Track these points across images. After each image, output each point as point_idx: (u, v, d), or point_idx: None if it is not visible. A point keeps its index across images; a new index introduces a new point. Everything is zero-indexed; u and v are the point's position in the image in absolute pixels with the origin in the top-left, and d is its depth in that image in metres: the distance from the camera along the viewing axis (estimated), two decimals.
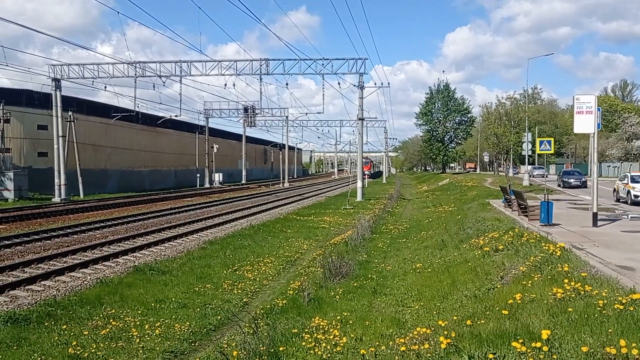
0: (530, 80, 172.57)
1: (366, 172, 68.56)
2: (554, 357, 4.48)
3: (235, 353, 7.12)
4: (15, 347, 8.20)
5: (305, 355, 7.25)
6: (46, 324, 9.32)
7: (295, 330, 8.20)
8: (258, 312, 9.84)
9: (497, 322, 5.79)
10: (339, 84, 63.07)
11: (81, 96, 62.43)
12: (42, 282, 12.57)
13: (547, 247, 10.12)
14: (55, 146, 38.18)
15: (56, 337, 8.62)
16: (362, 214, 26.01)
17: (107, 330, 9.00)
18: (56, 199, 36.93)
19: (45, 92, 38.95)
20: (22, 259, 15.00)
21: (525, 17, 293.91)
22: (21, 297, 11.32)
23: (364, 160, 55.49)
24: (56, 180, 37.62)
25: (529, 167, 48.61)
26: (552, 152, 24.01)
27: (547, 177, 51.75)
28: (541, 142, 22.03)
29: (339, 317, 8.81)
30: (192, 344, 8.73)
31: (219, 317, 10.08)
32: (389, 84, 48.68)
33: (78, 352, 7.95)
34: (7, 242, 17.75)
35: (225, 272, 13.96)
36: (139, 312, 10.13)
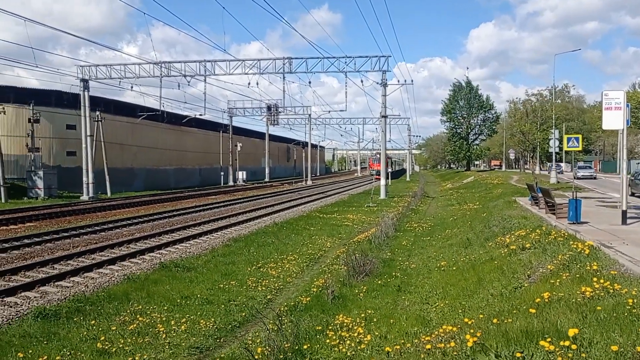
0: (557, 77, 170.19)
1: (374, 171, 66.37)
2: (583, 355, 4.40)
3: (259, 349, 7.17)
4: (45, 342, 8.37)
5: (330, 352, 7.25)
6: (75, 319, 9.49)
7: (319, 328, 8.21)
8: (282, 309, 9.88)
9: (525, 321, 5.71)
10: (361, 81, 62.99)
11: (108, 96, 63.44)
12: (71, 278, 12.82)
13: (575, 245, 9.94)
14: (84, 145, 38.89)
15: (85, 332, 8.78)
16: (385, 211, 25.90)
17: (134, 325, 9.13)
18: (84, 197, 37.63)
19: (73, 93, 39.69)
20: (51, 256, 15.32)
21: (552, 11, 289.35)
22: (51, 292, 11.56)
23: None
24: (84, 179, 38.33)
25: (561, 164, 50.63)
26: (579, 149, 23.61)
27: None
28: (569, 139, 21.67)
29: (363, 315, 8.79)
30: (217, 340, 8.81)
31: (243, 314, 10.15)
32: (412, 81, 48.21)
33: (106, 347, 8.09)
34: (37, 240, 18.15)
35: (249, 269, 14.04)
36: (165, 308, 10.26)
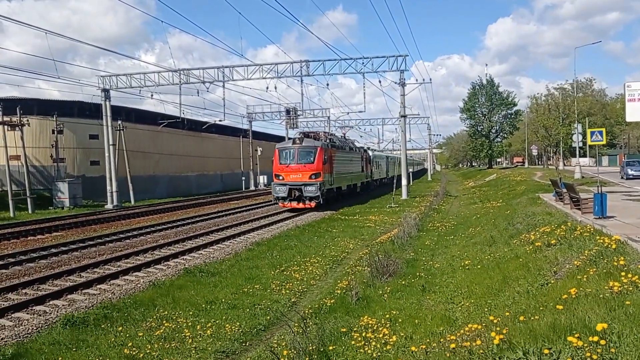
0: (578, 69, 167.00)
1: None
2: (612, 351, 4.33)
3: (285, 352, 7.20)
4: (74, 349, 8.52)
5: (355, 354, 7.25)
6: (103, 325, 9.64)
7: (344, 329, 8.21)
8: (306, 311, 9.90)
9: (552, 317, 5.63)
10: (379, 82, 62.67)
11: (128, 105, 64.27)
12: (98, 286, 13.02)
13: (601, 240, 9.77)
14: (107, 154, 39.46)
15: (112, 339, 8.91)
16: (407, 212, 25.75)
17: (161, 331, 9.23)
18: (109, 206, 38.16)
19: (95, 103, 40.31)
20: (78, 264, 15.58)
21: (571, 3, 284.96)
22: (78, 300, 11.75)
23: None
24: (108, 188, 38.88)
25: (586, 159, 46.87)
26: (603, 143, 23.20)
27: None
28: (592, 133, 21.30)
29: (387, 316, 8.76)
30: (243, 344, 8.86)
31: (268, 317, 10.19)
32: (430, 79, 47.81)
33: (134, 353, 8.19)
34: (64, 249, 18.47)
35: (272, 272, 14.10)
36: (191, 313, 10.35)
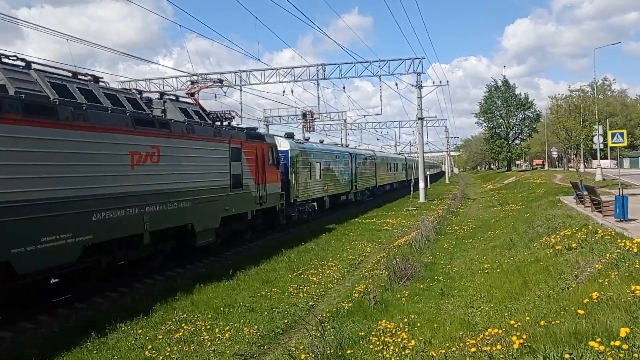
0: (598, 70, 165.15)
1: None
2: (635, 355, 4.26)
3: (303, 356, 7.21)
4: (95, 352, 8.61)
5: (374, 358, 7.23)
6: (123, 328, 9.72)
7: (362, 333, 8.19)
8: (324, 315, 9.90)
9: (573, 322, 5.56)
10: (396, 84, 62.31)
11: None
12: (118, 289, 13.13)
13: (623, 243, 9.63)
14: None
15: (133, 341, 8.98)
16: (425, 215, 25.64)
17: (180, 334, 9.29)
18: None
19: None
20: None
21: (590, 3, 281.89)
22: (99, 303, 11.87)
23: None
24: None
25: (607, 161, 46.33)
26: (625, 144, 22.85)
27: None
28: (613, 135, 21.00)
29: (406, 320, 8.73)
30: (261, 347, 8.87)
31: (286, 321, 10.19)
32: (447, 82, 47.59)
33: (154, 356, 8.26)
34: None
35: (290, 275, 14.11)
36: (209, 316, 10.40)
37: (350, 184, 36.52)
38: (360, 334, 8.20)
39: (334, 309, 10.43)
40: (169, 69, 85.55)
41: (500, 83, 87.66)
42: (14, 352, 8.79)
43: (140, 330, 9.55)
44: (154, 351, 8.43)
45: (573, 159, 78.55)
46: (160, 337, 9.17)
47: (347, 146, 44.55)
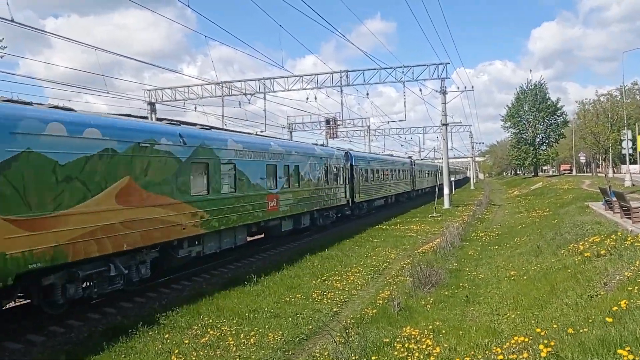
0: (626, 74, 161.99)
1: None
2: None
3: None
4: (123, 356, 8.76)
5: None
6: (150, 333, 9.87)
7: (387, 340, 8.16)
8: (348, 321, 9.90)
9: (601, 330, 5.48)
10: (420, 90, 61.95)
11: (171, 117, 65.80)
12: (146, 294, 13.34)
13: None
14: None
15: (160, 346, 9.11)
16: (450, 221, 25.42)
17: (206, 339, 9.39)
18: None
19: (141, 116, 41.23)
20: None
21: (618, 5, 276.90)
22: (127, 308, 12.07)
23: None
24: None
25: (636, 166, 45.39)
26: None
27: None
28: None
29: (430, 327, 8.67)
30: (286, 353, 8.91)
31: (310, 327, 10.22)
32: (472, 87, 47.19)
33: None
34: None
35: (314, 282, 14.14)
36: (234, 321, 10.49)
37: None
38: (384, 340, 8.17)
39: (358, 316, 10.43)
40: (193, 78, 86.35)
41: (533, 83, 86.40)
42: (45, 356, 9.00)
43: (167, 335, 9.69)
44: (180, 355, 8.54)
45: (601, 164, 77.06)
46: (186, 342, 9.28)
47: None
